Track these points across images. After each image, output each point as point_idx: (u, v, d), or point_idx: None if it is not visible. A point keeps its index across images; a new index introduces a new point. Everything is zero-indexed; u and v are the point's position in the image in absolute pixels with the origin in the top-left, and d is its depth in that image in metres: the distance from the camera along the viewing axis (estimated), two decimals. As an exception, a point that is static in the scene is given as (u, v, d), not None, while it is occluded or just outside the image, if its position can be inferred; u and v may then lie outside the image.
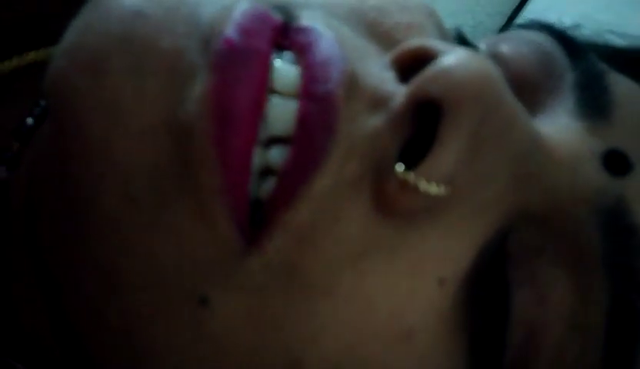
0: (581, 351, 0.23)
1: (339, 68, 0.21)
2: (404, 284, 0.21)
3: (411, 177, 0.21)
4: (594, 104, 0.25)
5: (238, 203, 0.20)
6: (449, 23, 0.27)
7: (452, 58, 0.21)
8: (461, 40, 0.27)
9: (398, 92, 0.22)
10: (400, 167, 0.21)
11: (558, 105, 0.25)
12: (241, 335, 0.21)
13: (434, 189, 0.21)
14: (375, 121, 0.21)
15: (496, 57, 0.27)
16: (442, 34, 0.26)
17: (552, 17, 0.32)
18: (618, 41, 0.32)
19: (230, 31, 0.21)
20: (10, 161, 0.27)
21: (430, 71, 0.21)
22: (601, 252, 0.23)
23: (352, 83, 0.21)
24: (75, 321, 0.23)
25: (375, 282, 0.21)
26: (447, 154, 0.21)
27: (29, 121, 0.27)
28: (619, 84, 0.26)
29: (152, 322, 0.21)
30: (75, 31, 0.22)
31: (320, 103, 0.21)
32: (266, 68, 0.21)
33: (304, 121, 0.21)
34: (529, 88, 0.26)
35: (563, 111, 0.25)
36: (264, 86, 0.21)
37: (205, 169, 0.20)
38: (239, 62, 0.20)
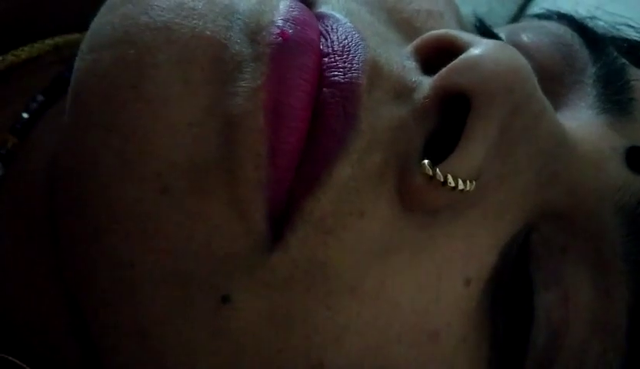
0: (604, 351, 0.22)
1: (360, 56, 0.20)
2: (430, 283, 0.21)
3: (437, 172, 0.20)
4: (616, 99, 0.25)
5: (277, 200, 0.20)
6: (462, 9, 0.27)
7: (482, 49, 0.20)
8: (483, 28, 0.26)
9: (424, 82, 0.21)
10: (426, 162, 0.20)
11: (579, 100, 0.25)
12: (262, 335, 0.20)
13: (461, 185, 0.20)
14: (399, 112, 0.21)
15: (517, 47, 0.26)
16: (460, 21, 0.26)
17: (566, 6, 0.31)
18: (634, 35, 0.31)
19: (281, 23, 0.20)
20: (5, 157, 0.26)
21: (460, 62, 0.20)
22: (623, 251, 0.23)
23: (375, 72, 0.21)
24: (92, 320, 0.22)
25: (401, 281, 0.21)
26: (476, 148, 0.20)
27: (24, 115, 0.27)
28: (639, 76, 0.26)
29: (169, 320, 0.20)
30: (111, 25, 0.21)
31: (340, 91, 0.20)
32: (319, 60, 0.20)
33: (322, 109, 0.20)
34: (551, 80, 0.26)
35: (585, 105, 0.25)
36: (317, 80, 0.20)
37: (251, 163, 0.19)
38: (296, 55, 0.20)
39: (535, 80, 0.21)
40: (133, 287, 0.20)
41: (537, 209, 0.23)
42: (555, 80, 0.26)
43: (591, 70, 0.26)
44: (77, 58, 0.22)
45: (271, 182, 0.20)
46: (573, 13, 0.30)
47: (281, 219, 0.20)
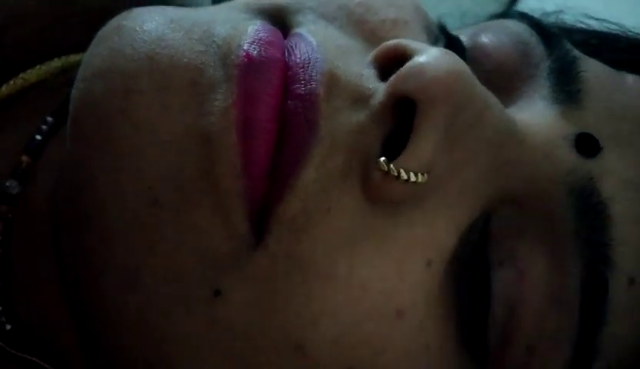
0: (560, 323, 0.24)
1: (319, 68, 0.23)
2: (394, 267, 0.23)
3: (391, 167, 0.22)
4: (567, 90, 0.27)
5: (255, 205, 0.22)
6: (439, 9, 0.29)
7: (425, 57, 0.23)
8: (443, 32, 0.29)
9: (380, 89, 0.23)
10: (382, 159, 0.23)
11: (534, 92, 0.27)
12: (250, 322, 0.23)
13: (413, 177, 0.22)
14: (357, 117, 0.23)
15: (477, 47, 0.29)
16: (427, 27, 0.28)
17: (534, 2, 0.33)
18: (598, 27, 0.33)
19: (247, 45, 0.23)
20: (21, 176, 0.29)
21: (405, 70, 0.23)
22: (574, 229, 0.24)
23: (332, 82, 0.23)
24: (96, 321, 0.25)
25: (368, 266, 0.23)
26: (422, 145, 0.22)
27: (38, 137, 0.29)
28: (592, 69, 0.28)
29: (170, 314, 0.23)
30: (100, 57, 0.24)
31: (302, 102, 0.22)
32: (283, 78, 0.23)
33: (287, 120, 0.22)
34: (509, 76, 0.28)
35: (539, 97, 0.27)
36: (282, 95, 0.23)
37: (228, 176, 0.22)
38: (260, 74, 0.23)
39: (474, 82, 0.23)
40: (138, 288, 0.23)
41: (494, 196, 0.25)
42: (512, 75, 0.28)
43: (545, 64, 0.27)
44: (73, 87, 0.24)
45: (248, 190, 0.22)
46: (539, 8, 0.32)
47: (261, 222, 0.23)
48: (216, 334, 0.23)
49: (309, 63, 0.23)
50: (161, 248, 0.23)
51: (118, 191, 0.23)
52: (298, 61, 0.23)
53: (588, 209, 0.25)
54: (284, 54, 0.24)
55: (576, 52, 0.28)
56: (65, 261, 0.26)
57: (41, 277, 0.27)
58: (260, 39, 0.23)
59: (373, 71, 0.24)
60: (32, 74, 0.31)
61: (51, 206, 0.26)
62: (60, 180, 0.26)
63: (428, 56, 0.22)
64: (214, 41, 0.23)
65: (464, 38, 0.29)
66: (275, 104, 0.23)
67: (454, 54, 0.23)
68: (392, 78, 0.23)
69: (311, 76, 0.23)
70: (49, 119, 0.30)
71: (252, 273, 0.22)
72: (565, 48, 0.28)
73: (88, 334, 0.25)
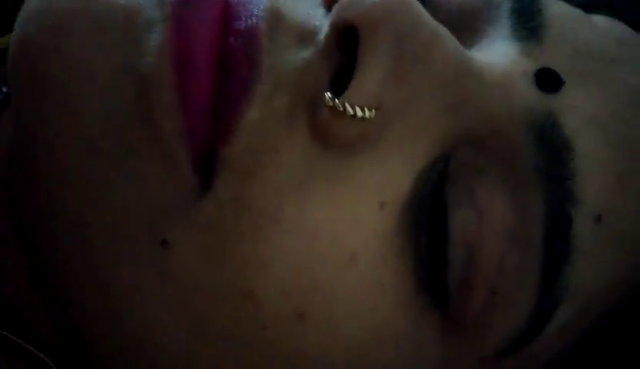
0: (523, 264, 0.24)
1: (261, 5, 0.22)
2: (345, 209, 0.22)
3: (336, 102, 0.22)
4: (528, 27, 0.26)
5: (199, 147, 0.21)
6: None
7: None
8: None
9: (325, 25, 0.22)
10: (327, 95, 0.22)
11: (495, 32, 0.26)
12: (199, 272, 0.22)
13: (360, 112, 0.22)
14: (303, 54, 0.22)
15: None
16: None
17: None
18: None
19: None
20: None
21: None
22: (534, 165, 0.24)
23: (276, 18, 0.22)
24: (52, 280, 0.24)
25: (318, 209, 0.22)
26: (368, 76, 0.22)
27: None
28: (556, 7, 0.27)
29: (119, 267, 0.22)
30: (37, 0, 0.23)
31: (242, 38, 0.22)
32: (221, 11, 0.22)
33: (228, 57, 0.22)
34: (470, 18, 0.27)
35: (499, 37, 0.26)
36: (220, 29, 0.22)
37: (166, 116, 0.21)
38: (196, 9, 0.22)
39: (419, 9, 0.22)
40: (85, 242, 0.22)
41: (452, 136, 0.24)
42: (473, 17, 0.27)
43: (507, 4, 0.27)
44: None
45: (190, 131, 0.21)
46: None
47: (207, 167, 0.22)
48: (165, 286, 0.22)
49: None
50: (104, 199, 0.22)
51: (57, 137, 0.22)
52: None
53: (548, 143, 0.24)
54: None
55: None
56: (21, 221, 0.25)
57: (1, 241, 0.26)
58: None
59: (322, 10, 0.24)
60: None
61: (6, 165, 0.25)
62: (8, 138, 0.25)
63: None
64: None
65: None
66: (213, 40, 0.22)
67: None
68: (334, 7, 0.22)
69: (252, 12, 0.22)
70: (4, 89, 0.29)
71: (200, 221, 0.22)
72: None
73: (51, 298, 0.25)
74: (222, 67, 0.22)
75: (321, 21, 0.23)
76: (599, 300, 0.25)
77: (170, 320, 0.22)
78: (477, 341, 0.24)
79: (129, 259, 0.22)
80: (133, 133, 0.22)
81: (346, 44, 0.22)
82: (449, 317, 0.24)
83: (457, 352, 0.25)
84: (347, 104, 0.22)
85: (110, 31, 0.22)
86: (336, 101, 0.22)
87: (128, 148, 0.22)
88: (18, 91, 0.23)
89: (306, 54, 0.22)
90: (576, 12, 0.28)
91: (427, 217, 0.23)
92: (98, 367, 0.24)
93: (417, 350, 0.24)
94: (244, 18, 0.22)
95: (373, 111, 0.22)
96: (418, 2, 0.22)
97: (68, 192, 0.22)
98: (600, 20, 0.28)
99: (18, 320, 0.26)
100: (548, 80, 0.25)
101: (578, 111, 0.24)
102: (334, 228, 0.22)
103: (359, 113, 0.22)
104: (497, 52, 0.25)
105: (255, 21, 0.22)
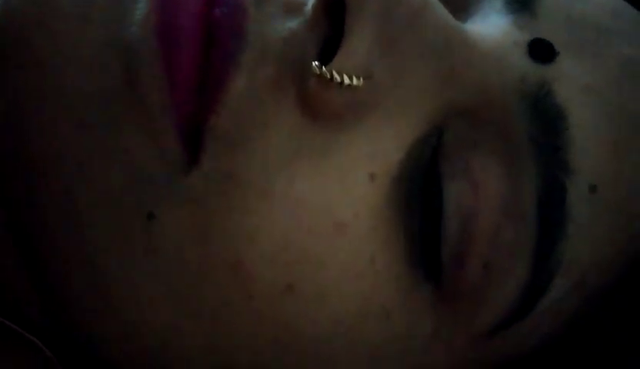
0: (517, 236, 0.23)
1: None
2: (334, 181, 0.22)
3: (324, 70, 0.21)
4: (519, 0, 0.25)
5: (185, 119, 0.21)
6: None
7: None
8: None
9: None
10: (315, 63, 0.21)
11: (488, 6, 0.26)
12: (186, 245, 0.22)
13: (347, 80, 0.21)
14: (290, 24, 0.22)
15: None
16: None
17: None
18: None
19: None
20: None
21: None
22: (528, 136, 0.23)
23: None
24: (42, 257, 0.24)
25: (307, 182, 0.22)
26: (355, 43, 0.21)
27: None
28: None
29: (107, 240, 0.22)
30: None
31: (228, 7, 0.21)
32: None
33: (214, 28, 0.21)
34: None
35: (492, 10, 0.25)
36: (206, 2, 0.21)
37: (152, 87, 0.21)
38: None
39: None
40: (74, 216, 0.22)
41: (445, 108, 0.23)
42: None
43: None
44: None
45: (177, 103, 0.21)
46: None
47: (195, 140, 0.21)
48: (152, 260, 0.22)
49: None
50: (91, 174, 0.22)
51: (43, 112, 0.22)
52: None
53: (542, 113, 0.23)
54: None
55: None
56: (9, 200, 0.24)
57: None
58: None
59: None
60: None
61: None
62: None
63: None
64: None
65: None
66: (199, 11, 0.21)
67: None
68: None
69: None
70: None
71: (187, 195, 0.21)
72: None
73: (39, 277, 0.24)
74: (209, 38, 0.21)
75: None
76: (595, 273, 0.25)
77: (156, 293, 0.22)
78: (470, 316, 0.24)
79: (117, 232, 0.22)
80: (119, 106, 0.21)
81: (335, 17, 0.22)
82: (442, 292, 0.24)
83: (449, 327, 0.24)
84: (334, 72, 0.21)
85: (95, 3, 0.22)
86: (323, 69, 0.21)
87: (114, 122, 0.21)
88: (2, 64, 0.23)
89: (293, 24, 0.22)
90: None
91: (420, 190, 0.23)
92: (85, 344, 0.24)
93: (408, 323, 0.24)
94: None
95: (361, 79, 0.21)
96: None
97: (56, 167, 0.22)
98: None
99: (4, 300, 0.25)
100: (541, 50, 0.24)
101: (572, 80, 0.24)
102: (323, 199, 0.22)
103: (347, 81, 0.21)
104: (490, 25, 0.25)
105: None
